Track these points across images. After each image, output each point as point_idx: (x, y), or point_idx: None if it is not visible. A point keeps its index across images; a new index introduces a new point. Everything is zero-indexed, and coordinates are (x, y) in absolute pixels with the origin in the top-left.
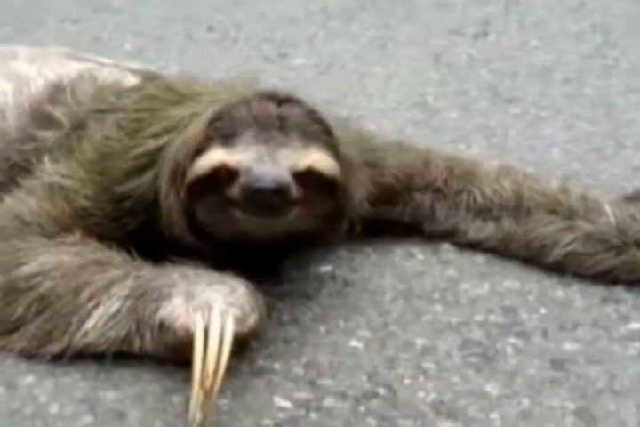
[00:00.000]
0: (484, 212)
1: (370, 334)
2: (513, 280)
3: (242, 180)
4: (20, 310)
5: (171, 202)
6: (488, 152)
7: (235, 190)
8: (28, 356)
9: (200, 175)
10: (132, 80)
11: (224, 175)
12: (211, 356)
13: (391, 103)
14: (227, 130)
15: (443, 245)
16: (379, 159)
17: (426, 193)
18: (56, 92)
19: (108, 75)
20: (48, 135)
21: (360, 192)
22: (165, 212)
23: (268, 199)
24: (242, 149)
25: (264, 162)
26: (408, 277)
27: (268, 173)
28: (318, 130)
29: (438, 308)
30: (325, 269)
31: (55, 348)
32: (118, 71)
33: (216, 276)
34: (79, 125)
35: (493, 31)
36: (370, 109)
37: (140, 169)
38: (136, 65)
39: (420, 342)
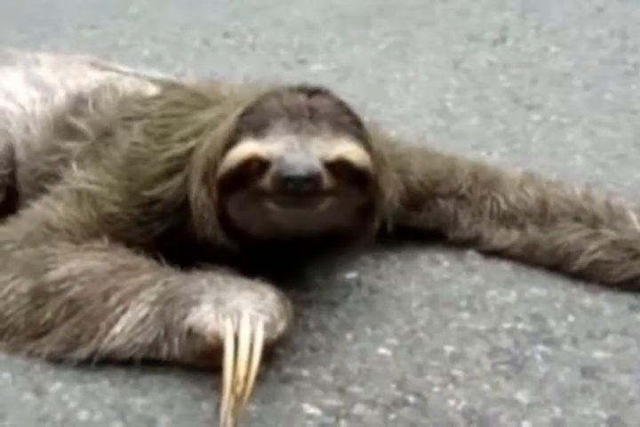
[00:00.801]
0: (508, 219)
1: (397, 341)
2: (540, 288)
3: (273, 169)
4: (48, 314)
5: (202, 201)
6: (510, 159)
7: (266, 181)
8: (56, 361)
9: (232, 168)
10: (152, 90)
11: (255, 167)
12: (241, 362)
13: (411, 109)
14: (257, 122)
15: (467, 251)
16: (404, 165)
17: (450, 200)
18: (78, 103)
19: (128, 85)
20: (73, 146)
21: (392, 189)
22: (197, 212)
23: (299, 188)
24: (272, 139)
25: (295, 151)
26: (434, 283)
27: (300, 162)
28: (349, 121)
29: (465, 315)
30: (351, 275)
31: (83, 352)
32: (139, 81)
33: (245, 282)
34: (105, 133)
35: (511, 37)
36: (390, 115)
37: (169, 173)
38: (156, 74)
39: (448, 349)
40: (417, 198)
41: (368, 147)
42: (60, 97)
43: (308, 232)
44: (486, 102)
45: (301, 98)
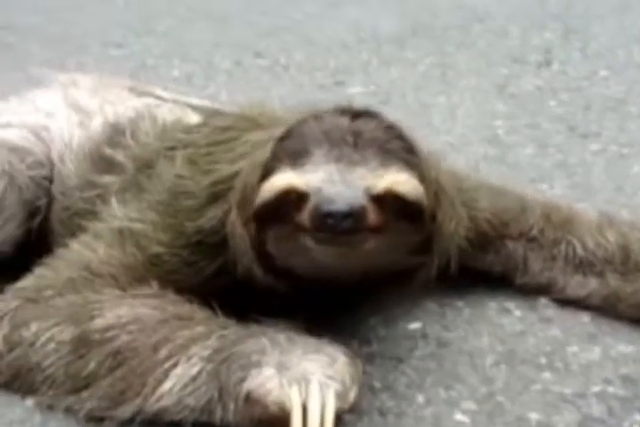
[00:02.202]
0: (585, 266)
1: (475, 405)
2: (626, 344)
3: (311, 203)
4: (92, 366)
5: (239, 233)
6: (572, 193)
7: (304, 216)
8: (96, 424)
9: (267, 201)
10: (193, 118)
11: (293, 199)
12: None
13: (459, 137)
14: (295, 149)
15: (540, 299)
16: (471, 201)
17: (520, 242)
18: (115, 134)
19: (167, 113)
20: (111, 180)
21: (454, 223)
22: (234, 244)
23: (339, 225)
24: (311, 169)
25: (335, 182)
26: (507, 336)
27: (340, 195)
28: (399, 147)
29: (547, 375)
30: (415, 326)
31: (127, 410)
32: (178, 108)
33: (311, 342)
34: (146, 165)
35: (556, 60)
36: (438, 143)
37: (214, 198)
38: (195, 100)
39: (533, 417)
40: (484, 238)
41: (422, 176)
42: (97, 125)
43: (355, 272)
44: (539, 130)
45: (345, 121)
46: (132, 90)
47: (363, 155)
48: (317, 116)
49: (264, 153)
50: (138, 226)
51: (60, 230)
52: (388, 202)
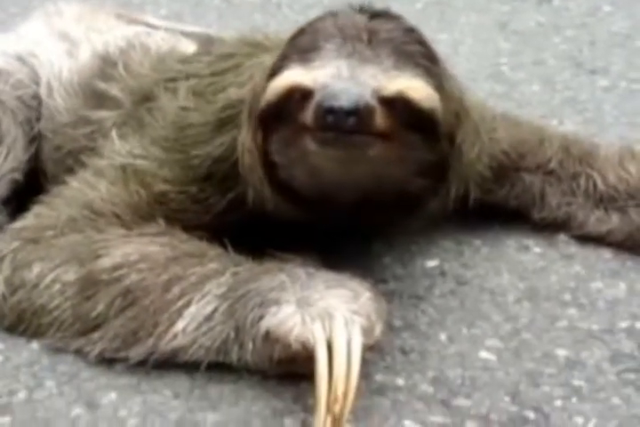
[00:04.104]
0: (606, 201)
1: (500, 343)
2: None
3: (315, 100)
4: (100, 306)
5: (247, 145)
6: (584, 129)
7: (307, 114)
8: (107, 366)
9: (272, 100)
10: (188, 46)
11: (298, 98)
12: (339, 375)
13: (465, 73)
14: (306, 44)
15: (559, 236)
16: (490, 131)
17: (537, 174)
18: (106, 66)
19: (160, 42)
20: (107, 115)
21: (476, 151)
22: (242, 162)
23: (343, 123)
24: (319, 64)
25: (343, 78)
26: (528, 274)
27: (346, 91)
28: (418, 51)
29: (573, 312)
30: (433, 263)
31: (139, 351)
32: (170, 36)
33: (333, 277)
34: (145, 98)
35: None
36: None
37: (222, 125)
38: (189, 27)
39: (561, 353)
40: (500, 171)
41: (440, 88)
42: (86, 56)
43: (359, 185)
44: (545, 67)
45: (362, 19)
46: (119, 17)
47: (377, 53)
48: (334, 13)
49: (275, 56)
50: (142, 163)
51: (53, 171)
52: (399, 107)
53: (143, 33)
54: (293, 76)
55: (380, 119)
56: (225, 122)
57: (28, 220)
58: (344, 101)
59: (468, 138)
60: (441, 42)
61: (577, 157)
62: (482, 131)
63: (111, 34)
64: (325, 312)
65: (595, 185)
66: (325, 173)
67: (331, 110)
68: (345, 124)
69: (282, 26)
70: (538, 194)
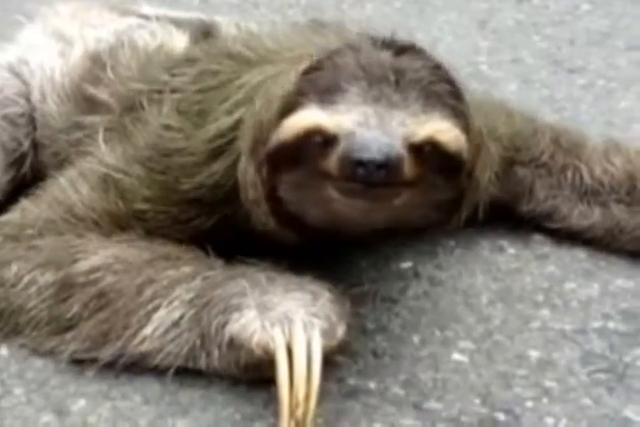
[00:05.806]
0: (590, 194)
1: (472, 344)
2: (624, 279)
3: (341, 148)
4: (75, 308)
5: (251, 178)
6: None
7: (331, 162)
8: (76, 374)
9: (287, 141)
10: (178, 42)
11: (318, 142)
12: (299, 379)
13: None
14: (326, 83)
15: (533, 236)
16: (492, 130)
17: (529, 168)
18: (95, 67)
19: (149, 38)
20: (97, 120)
21: (487, 175)
22: (244, 193)
23: (372, 176)
24: (344, 108)
25: (371, 127)
26: (502, 274)
27: (376, 142)
28: (445, 91)
29: (546, 312)
30: (406, 265)
31: (108, 352)
32: (161, 28)
33: (292, 280)
34: (131, 107)
35: None
36: None
37: (214, 155)
38: (183, 14)
39: (533, 354)
40: (497, 168)
41: (466, 126)
42: (77, 55)
43: (377, 227)
44: (523, 65)
45: (387, 56)
46: (113, 9)
47: (404, 96)
48: (354, 48)
49: (285, 86)
50: (122, 178)
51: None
52: (427, 152)
53: (134, 26)
54: (314, 117)
55: (409, 167)
56: (216, 152)
57: (13, 214)
58: (375, 154)
59: (483, 167)
60: (419, 40)
61: (566, 148)
62: (493, 151)
63: (104, 29)
64: (284, 316)
65: (581, 177)
66: (343, 218)
67: (361, 163)
68: (375, 176)
69: (259, 25)
70: (527, 187)
